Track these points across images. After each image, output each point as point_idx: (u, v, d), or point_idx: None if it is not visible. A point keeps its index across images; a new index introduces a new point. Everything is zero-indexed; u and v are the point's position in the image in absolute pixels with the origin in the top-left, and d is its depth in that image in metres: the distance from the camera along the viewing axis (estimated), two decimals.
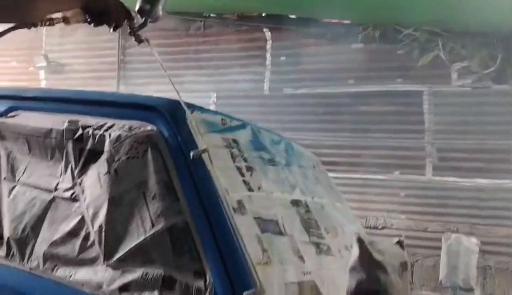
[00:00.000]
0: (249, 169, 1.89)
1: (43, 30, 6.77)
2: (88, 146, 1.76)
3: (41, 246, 1.76)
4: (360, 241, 1.14)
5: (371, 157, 5.30)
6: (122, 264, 1.61)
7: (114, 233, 1.64)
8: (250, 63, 5.74)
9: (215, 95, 5.80)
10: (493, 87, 5.01)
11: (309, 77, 5.58)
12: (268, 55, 5.74)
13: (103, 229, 1.65)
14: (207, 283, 1.49)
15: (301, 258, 1.82)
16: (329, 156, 4.92)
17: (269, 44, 5.74)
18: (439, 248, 4.48)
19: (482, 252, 4.41)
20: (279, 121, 5.20)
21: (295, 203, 2.08)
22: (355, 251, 1.14)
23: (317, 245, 2.02)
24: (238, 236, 1.54)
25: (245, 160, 1.90)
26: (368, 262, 1.11)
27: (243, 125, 2.10)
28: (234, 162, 1.84)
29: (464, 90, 5.10)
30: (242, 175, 1.83)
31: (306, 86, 5.57)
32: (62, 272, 1.69)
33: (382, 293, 1.09)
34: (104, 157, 1.71)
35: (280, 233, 1.80)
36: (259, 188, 1.87)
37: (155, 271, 1.56)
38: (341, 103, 5.43)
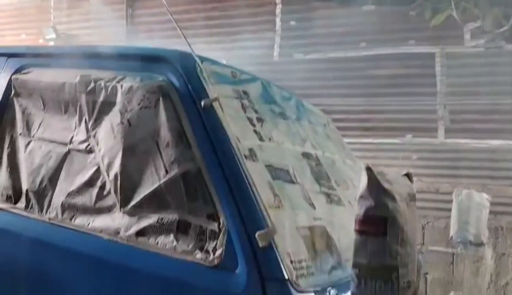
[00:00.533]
0: (260, 120, 1.91)
1: (51, 2, 6.78)
2: (101, 98, 1.79)
3: (59, 197, 1.81)
4: (369, 170, 1.16)
5: (383, 120, 5.28)
6: (138, 211, 1.66)
7: (129, 181, 1.68)
8: (259, 29, 5.69)
9: (224, 62, 5.78)
10: (506, 47, 4.93)
11: (319, 41, 5.53)
12: (277, 20, 5.69)
13: (119, 178, 1.69)
14: (220, 226, 1.53)
15: (312, 205, 1.85)
16: (340, 121, 4.88)
17: (278, 8, 5.68)
18: (450, 210, 4.51)
19: (494, 213, 4.44)
20: (290, 87, 5.17)
21: (306, 155, 2.10)
22: (364, 180, 1.17)
23: (328, 195, 2.05)
24: (250, 181, 1.57)
25: (256, 111, 1.92)
26: (376, 189, 1.13)
27: (253, 79, 2.11)
28: (245, 112, 1.86)
29: (477, 51, 5.03)
30: (253, 125, 1.85)
31: (317, 51, 5.53)
32: (80, 221, 1.74)
33: (390, 219, 1.12)
34: (117, 107, 1.74)
35: (291, 182, 1.82)
36: (269, 139, 1.89)
37: (170, 216, 1.61)
38: (353, 68, 5.39)
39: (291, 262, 1.50)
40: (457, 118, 5.09)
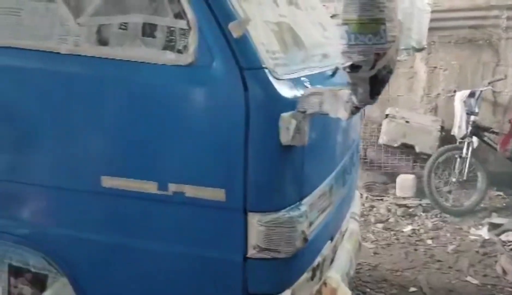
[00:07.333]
0: None
1: None
2: None
3: None
4: None
5: None
6: (96, 19, 1.53)
7: None
8: None
9: None
10: None
11: None
12: None
13: None
14: (190, 23, 1.46)
15: (275, 3, 1.80)
16: None
17: None
18: None
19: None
20: None
21: None
22: None
23: None
24: None
25: None
26: None
27: None
28: None
29: None
30: None
31: None
32: (31, 42, 1.60)
33: None
34: None
35: None
36: None
37: (133, 19, 1.51)
38: None
39: (267, 51, 1.49)
40: None
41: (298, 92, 1.50)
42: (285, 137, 1.43)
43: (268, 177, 1.47)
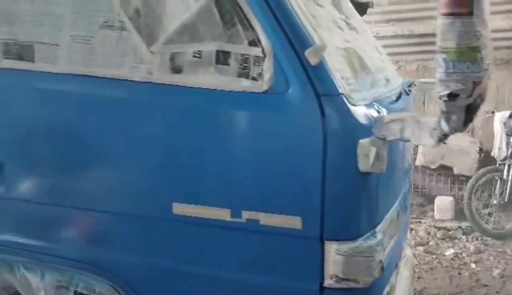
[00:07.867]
0: None
1: None
2: None
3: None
4: None
5: None
6: (169, 47, 1.55)
7: (152, 15, 1.55)
8: None
9: None
10: None
11: None
12: None
13: (140, 13, 1.55)
14: (264, 50, 1.46)
15: (340, 28, 1.80)
16: None
17: None
18: (423, 52, 4.57)
19: None
20: None
21: None
22: None
23: (347, 22, 1.99)
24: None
25: None
26: None
27: None
28: None
29: None
30: None
31: None
32: (104, 70, 1.61)
33: None
34: None
35: (318, 4, 1.75)
36: None
37: (207, 48, 1.51)
38: None
39: (342, 77, 1.48)
40: None
41: (374, 118, 1.48)
42: (364, 164, 1.41)
43: (346, 205, 1.45)
